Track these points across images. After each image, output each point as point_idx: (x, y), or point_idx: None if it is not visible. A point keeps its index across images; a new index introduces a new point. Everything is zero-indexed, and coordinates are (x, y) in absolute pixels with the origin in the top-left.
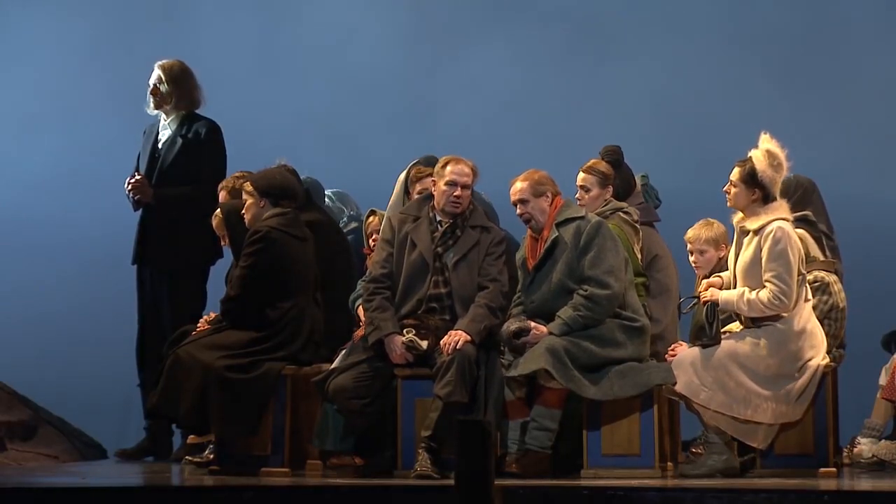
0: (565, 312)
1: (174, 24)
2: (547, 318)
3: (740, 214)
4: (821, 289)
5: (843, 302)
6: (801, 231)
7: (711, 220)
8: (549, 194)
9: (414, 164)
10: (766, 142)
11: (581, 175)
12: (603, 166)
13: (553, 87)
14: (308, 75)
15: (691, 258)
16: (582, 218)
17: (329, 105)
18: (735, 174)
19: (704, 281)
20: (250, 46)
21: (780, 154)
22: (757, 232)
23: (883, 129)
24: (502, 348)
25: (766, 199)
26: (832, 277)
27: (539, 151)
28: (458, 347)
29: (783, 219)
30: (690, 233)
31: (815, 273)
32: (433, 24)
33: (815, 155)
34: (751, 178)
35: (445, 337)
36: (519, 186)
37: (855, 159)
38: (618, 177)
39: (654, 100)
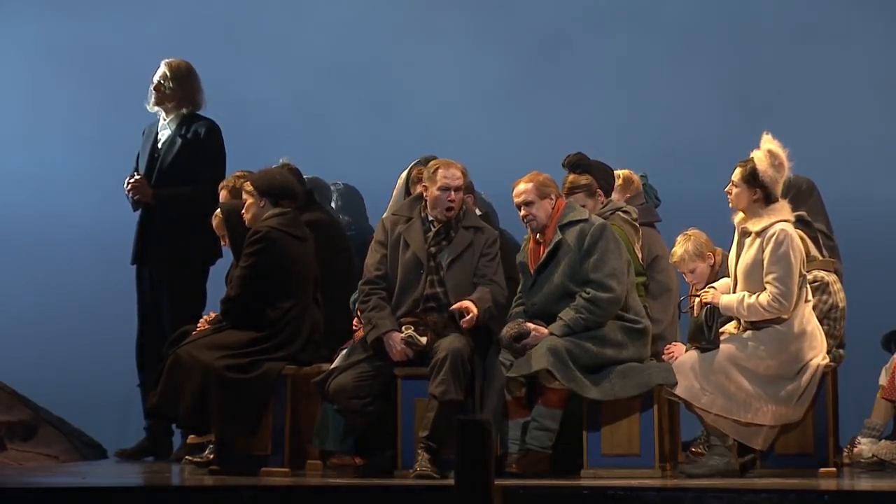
0: (567, 314)
1: (176, 23)
2: (548, 319)
3: (742, 214)
4: (820, 288)
5: (843, 302)
6: (798, 231)
7: (689, 232)
8: (553, 196)
9: (415, 165)
10: (769, 142)
11: (569, 200)
12: (583, 179)
13: (527, 79)
14: (282, 66)
15: (686, 279)
16: (585, 220)
17: (306, 97)
18: (736, 174)
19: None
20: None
21: (782, 154)
22: (759, 234)
23: (882, 128)
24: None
25: (768, 199)
26: (832, 277)
27: (515, 146)
28: (471, 322)
29: (786, 220)
30: (675, 255)
31: (815, 273)
32: (400, 14)
33: (814, 154)
34: (752, 178)
35: (458, 303)
36: (523, 188)
37: (854, 159)
38: (598, 178)
39: (642, 96)
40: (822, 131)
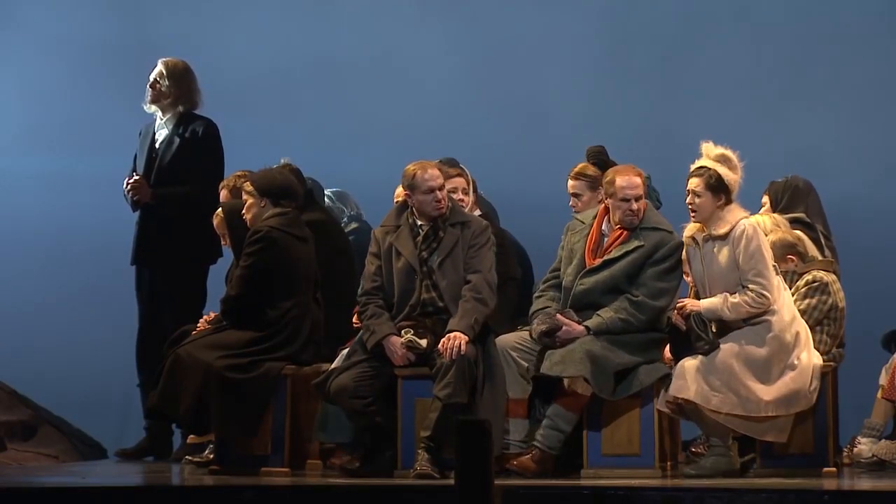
0: (606, 313)
1: (179, 23)
2: (587, 307)
3: (693, 226)
4: (820, 289)
5: (843, 302)
6: (797, 231)
7: None
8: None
9: None
10: (713, 149)
11: (571, 182)
12: (591, 170)
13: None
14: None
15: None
16: (669, 232)
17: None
18: (697, 184)
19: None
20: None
21: (734, 156)
22: (725, 237)
23: (882, 127)
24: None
25: (728, 202)
26: (831, 277)
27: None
28: (460, 352)
29: (745, 217)
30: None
31: (815, 273)
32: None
33: (813, 154)
34: (718, 185)
35: (443, 340)
36: (638, 181)
37: (853, 159)
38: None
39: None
40: (823, 130)
